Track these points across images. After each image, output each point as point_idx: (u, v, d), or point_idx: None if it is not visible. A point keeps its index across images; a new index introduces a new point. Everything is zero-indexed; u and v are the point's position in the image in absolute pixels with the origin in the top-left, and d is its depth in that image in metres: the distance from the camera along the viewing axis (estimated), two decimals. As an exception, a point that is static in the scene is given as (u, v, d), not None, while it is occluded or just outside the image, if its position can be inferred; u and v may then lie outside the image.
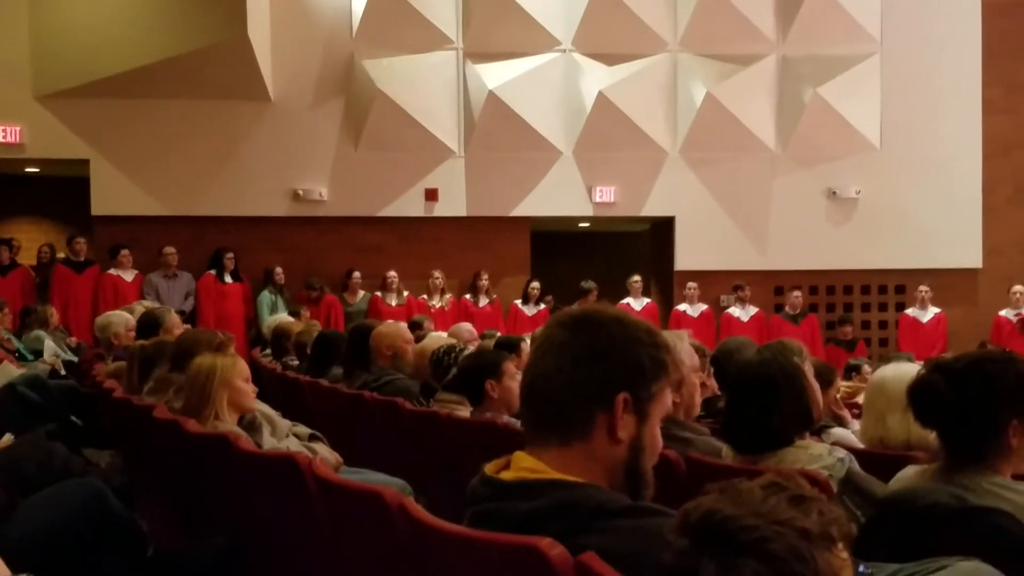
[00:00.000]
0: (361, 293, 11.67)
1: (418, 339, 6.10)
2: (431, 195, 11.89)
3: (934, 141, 12.53)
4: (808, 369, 2.94)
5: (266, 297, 11.29)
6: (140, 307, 8.19)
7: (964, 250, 12.70)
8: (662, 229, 12.79)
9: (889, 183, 12.48)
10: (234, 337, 5.30)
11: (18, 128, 11.06)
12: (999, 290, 12.21)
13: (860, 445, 3.60)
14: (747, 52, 12.17)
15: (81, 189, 11.26)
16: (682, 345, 3.27)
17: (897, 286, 12.83)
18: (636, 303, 11.96)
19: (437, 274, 11.70)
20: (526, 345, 5.55)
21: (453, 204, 11.94)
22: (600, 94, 11.71)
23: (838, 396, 4.83)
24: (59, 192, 12.30)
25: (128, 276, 11.10)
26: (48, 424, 4.94)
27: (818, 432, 3.78)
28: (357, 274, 11.61)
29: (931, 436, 2.47)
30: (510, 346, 5.51)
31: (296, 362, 7.50)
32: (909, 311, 12.30)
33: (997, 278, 12.50)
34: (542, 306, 11.91)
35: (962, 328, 12.32)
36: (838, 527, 1.25)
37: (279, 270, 11.34)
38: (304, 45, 11.53)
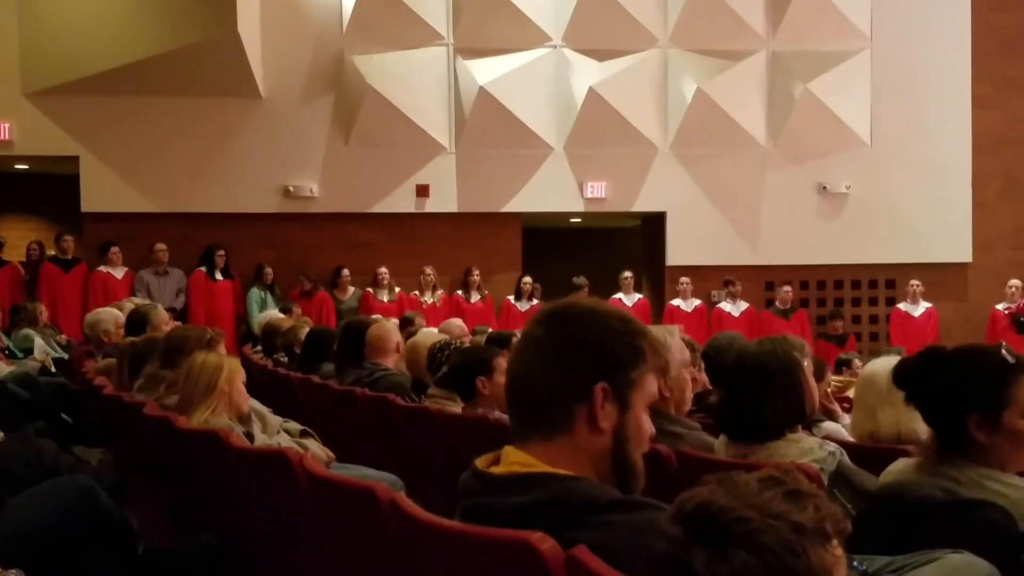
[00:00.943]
0: (352, 290, 11.65)
1: (409, 335, 6.09)
2: (422, 191, 11.87)
3: (924, 136, 12.57)
4: (808, 366, 2.94)
5: (255, 294, 11.28)
6: (130, 304, 8.16)
7: (954, 245, 12.75)
8: (653, 225, 12.80)
9: (879, 178, 12.52)
10: (223, 333, 5.28)
11: (7, 125, 11.01)
12: (990, 284, 12.26)
13: (851, 439, 3.62)
14: (737, 48, 12.18)
15: (71, 186, 11.21)
16: (673, 340, 3.27)
17: (887, 281, 12.86)
18: (627, 299, 11.98)
19: (428, 270, 11.68)
20: (517, 341, 5.53)
21: (444, 200, 11.92)
22: (591, 90, 11.70)
23: (829, 390, 4.85)
24: (49, 189, 12.22)
25: (118, 273, 11.08)
26: (38, 421, 4.93)
27: (809, 426, 3.79)
28: (346, 272, 11.57)
29: (921, 429, 2.48)
30: (501, 342, 5.50)
31: (286, 359, 7.48)
32: (900, 306, 12.33)
33: (987, 273, 12.56)
34: (535, 302, 11.87)
35: (953, 322, 12.38)
36: (833, 523, 1.24)
37: (268, 269, 11.33)
38: (294, 41, 11.49)
